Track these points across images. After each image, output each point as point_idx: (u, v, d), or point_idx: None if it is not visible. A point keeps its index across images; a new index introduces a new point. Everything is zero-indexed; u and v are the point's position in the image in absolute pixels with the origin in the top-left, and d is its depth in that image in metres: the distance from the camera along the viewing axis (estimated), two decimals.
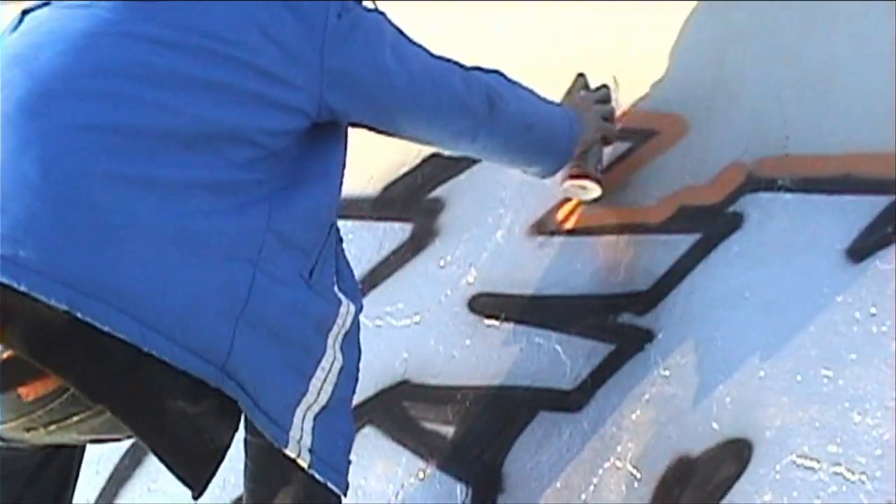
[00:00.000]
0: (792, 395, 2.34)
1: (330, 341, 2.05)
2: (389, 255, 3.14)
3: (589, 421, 2.57)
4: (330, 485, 2.03)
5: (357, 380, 2.21)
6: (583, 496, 2.48)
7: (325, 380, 2.03)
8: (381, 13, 2.22)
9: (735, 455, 2.35)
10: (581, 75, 2.88)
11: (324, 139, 2.13)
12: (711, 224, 2.62)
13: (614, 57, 2.90)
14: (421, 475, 2.72)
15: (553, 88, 2.77)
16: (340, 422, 2.10)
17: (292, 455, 1.94)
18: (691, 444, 2.42)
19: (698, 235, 2.63)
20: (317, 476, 2.00)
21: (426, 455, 2.75)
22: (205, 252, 1.83)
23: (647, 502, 2.40)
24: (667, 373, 2.52)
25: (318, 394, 2.01)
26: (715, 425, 2.41)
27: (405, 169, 3.23)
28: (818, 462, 2.24)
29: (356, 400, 2.71)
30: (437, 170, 3.17)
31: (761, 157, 2.62)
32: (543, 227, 2.90)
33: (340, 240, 2.28)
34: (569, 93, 2.84)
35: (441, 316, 2.94)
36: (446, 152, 2.98)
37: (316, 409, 2.00)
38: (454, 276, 2.98)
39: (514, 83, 2.50)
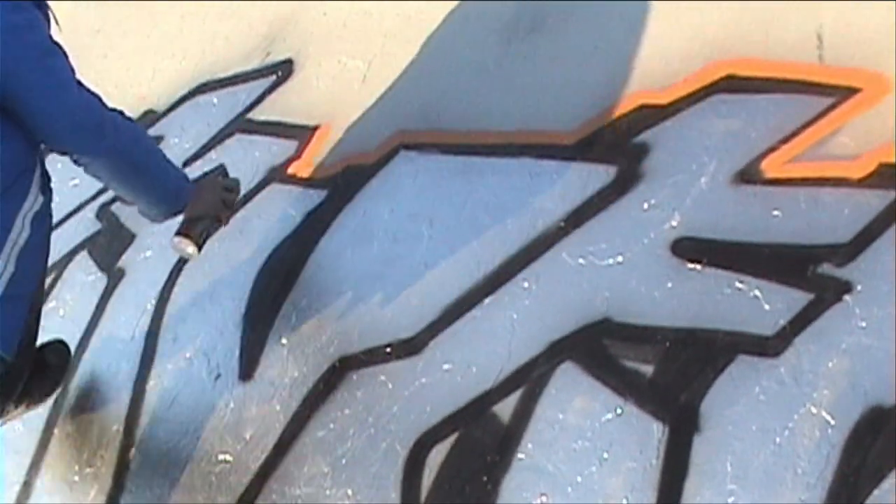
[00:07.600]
0: None
1: (3, 256, 2.78)
2: (594, 196, 3.20)
3: (786, 367, 2.62)
4: None
5: (35, 284, 3.00)
6: (777, 440, 2.54)
7: None
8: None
9: None
10: (221, 165, 3.45)
11: None
12: None
13: (817, 13, 2.92)
14: (619, 411, 2.79)
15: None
16: (14, 310, 2.87)
17: None
18: (885, 395, 2.47)
19: None
20: None
21: (624, 392, 2.81)
22: None
23: (839, 448, 2.46)
24: (864, 324, 2.57)
25: None
26: None
27: (612, 113, 3.30)
28: None
29: (554, 335, 2.92)
30: (644, 115, 3.23)
31: None
32: (747, 177, 2.94)
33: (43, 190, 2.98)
34: (204, 175, 3.38)
35: (644, 258, 2.99)
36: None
37: None
38: (658, 219, 3.03)
39: (143, 136, 3.15)
